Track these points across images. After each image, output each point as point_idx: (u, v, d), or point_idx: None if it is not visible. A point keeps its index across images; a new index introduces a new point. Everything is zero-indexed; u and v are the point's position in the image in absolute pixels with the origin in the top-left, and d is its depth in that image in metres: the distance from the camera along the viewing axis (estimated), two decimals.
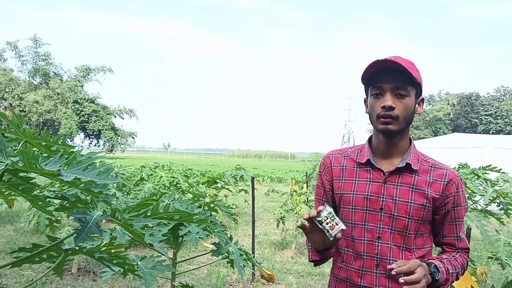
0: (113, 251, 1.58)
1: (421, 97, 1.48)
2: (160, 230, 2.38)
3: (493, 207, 4.10)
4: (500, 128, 48.23)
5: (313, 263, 1.55)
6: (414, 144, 1.52)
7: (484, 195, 3.66)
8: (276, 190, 9.20)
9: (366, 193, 1.45)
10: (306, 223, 1.35)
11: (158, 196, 3.04)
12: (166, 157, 72.67)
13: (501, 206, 3.85)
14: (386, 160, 1.48)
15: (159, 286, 4.38)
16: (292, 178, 15.25)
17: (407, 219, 1.41)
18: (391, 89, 1.39)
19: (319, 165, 1.67)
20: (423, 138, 43.58)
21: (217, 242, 2.75)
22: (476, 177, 3.82)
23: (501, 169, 3.96)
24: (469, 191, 4.02)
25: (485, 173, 3.88)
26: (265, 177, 21.42)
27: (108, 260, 1.51)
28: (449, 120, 54.92)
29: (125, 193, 6.47)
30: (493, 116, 50.46)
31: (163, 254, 2.64)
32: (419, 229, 1.43)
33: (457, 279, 1.44)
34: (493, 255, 3.82)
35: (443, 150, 13.10)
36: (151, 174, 6.45)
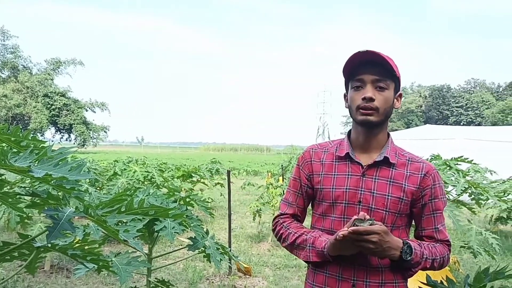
0: (86, 247, 1.54)
1: (399, 92, 1.51)
2: (134, 226, 2.34)
3: (464, 197, 4.21)
4: (470, 120, 49.51)
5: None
6: (392, 138, 1.54)
7: (456, 186, 3.74)
8: (252, 183, 9.23)
9: (345, 187, 1.46)
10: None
11: (132, 191, 2.98)
12: (140, 151, 71.75)
13: (473, 196, 3.95)
14: (365, 154, 1.50)
15: (134, 282, 4.32)
16: (268, 171, 15.31)
17: (384, 212, 1.43)
18: (372, 81, 1.41)
19: (297, 158, 1.67)
20: (396, 130, 44.40)
21: (193, 237, 2.73)
22: (448, 168, 3.90)
23: (472, 160, 4.06)
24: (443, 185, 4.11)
25: (457, 164, 3.97)
26: (241, 170, 21.43)
27: (81, 257, 1.47)
28: (421, 112, 56.04)
29: (98, 188, 6.36)
30: (464, 107, 51.75)
31: (138, 250, 2.61)
32: (396, 222, 1.45)
33: (433, 266, 1.44)
34: (465, 244, 3.93)
35: (416, 142, 13.36)
36: (125, 169, 6.36)
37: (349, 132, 1.57)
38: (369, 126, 1.45)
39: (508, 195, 6.54)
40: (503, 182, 6.89)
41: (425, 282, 1.36)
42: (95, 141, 58.02)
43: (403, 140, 14.44)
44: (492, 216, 7.62)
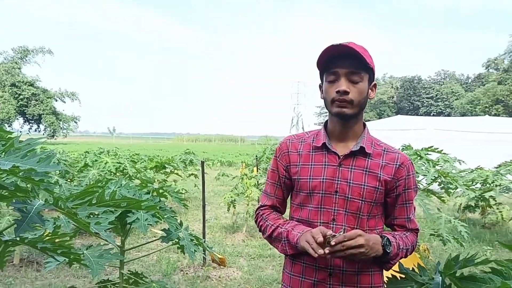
0: (57, 240, 1.51)
1: (373, 83, 1.52)
2: (106, 218, 2.31)
3: (434, 186, 4.30)
4: (440, 110, 50.61)
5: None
6: (368, 128, 1.55)
7: (426, 175, 3.82)
8: (226, 174, 9.21)
9: (322, 177, 1.47)
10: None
11: (103, 183, 2.93)
12: (112, 142, 70.62)
13: (442, 185, 4.05)
14: (341, 144, 1.51)
15: (106, 275, 4.27)
16: (242, 162, 15.29)
17: (360, 201, 1.45)
18: (346, 74, 1.42)
19: (272, 148, 1.68)
20: (369, 120, 44.97)
21: (167, 228, 2.71)
22: (419, 158, 3.98)
23: (442, 150, 4.14)
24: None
25: (427, 154, 4.05)
26: (215, 161, 21.37)
27: (52, 250, 1.44)
28: (392, 103, 56.94)
29: (69, 180, 6.23)
30: (434, 98, 52.83)
31: (110, 243, 2.56)
32: (372, 211, 1.47)
33: (406, 256, 1.50)
34: (435, 232, 4.02)
35: (388, 132, 13.59)
36: (96, 160, 6.23)
37: (326, 122, 1.58)
38: (345, 119, 1.46)
39: (476, 184, 6.75)
40: (471, 172, 7.09)
41: (397, 270, 1.39)
42: (65, 131, 56.86)
43: (376, 131, 14.67)
44: (460, 204, 7.83)
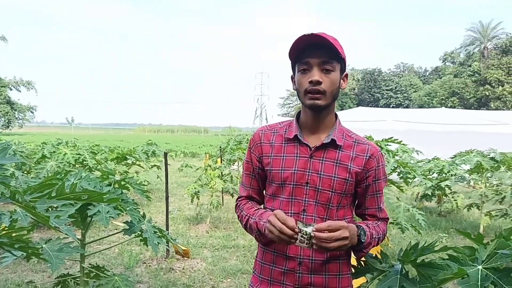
0: (14, 235, 1.46)
1: (345, 73, 1.53)
2: (66, 211, 2.24)
3: (393, 176, 4.42)
4: (399, 102, 51.87)
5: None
6: (339, 119, 1.57)
7: (386, 165, 3.91)
8: (189, 165, 9.12)
9: (294, 168, 1.49)
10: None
11: (62, 175, 2.84)
12: (70, 132, 68.72)
13: (401, 175, 4.16)
14: (313, 136, 1.52)
15: (66, 269, 4.17)
16: (206, 153, 15.22)
17: (330, 192, 1.47)
18: (318, 64, 1.42)
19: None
20: None
21: (129, 221, 2.67)
22: (379, 148, 4.07)
23: (401, 141, 4.26)
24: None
25: (387, 144, 4.15)
26: (178, 152, 21.14)
27: (8, 245, 1.40)
28: (354, 94, 57.89)
29: (25, 172, 6.01)
30: (394, 91, 54.06)
31: (71, 236, 2.50)
32: (341, 201, 1.49)
33: (377, 244, 1.53)
34: (394, 220, 4.13)
35: (349, 123, 13.78)
36: (54, 151, 6.05)
37: (298, 113, 1.59)
38: (317, 110, 1.47)
39: (433, 174, 6.99)
40: (428, 162, 7.34)
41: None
42: (21, 122, 54.81)
43: None
44: (418, 193, 8.09)
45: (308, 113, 1.51)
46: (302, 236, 1.30)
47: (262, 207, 1.62)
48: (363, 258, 1.47)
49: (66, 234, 2.68)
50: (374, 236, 1.47)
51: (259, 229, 1.47)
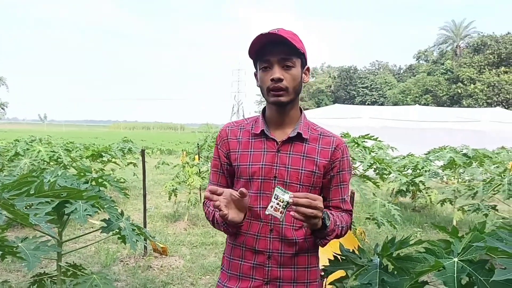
0: None
1: (306, 66, 1.55)
2: (43, 209, 2.20)
3: (369, 172, 4.49)
4: (374, 100, 52.48)
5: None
6: (304, 113, 1.59)
7: (363, 162, 3.97)
8: (166, 162, 9.05)
9: (261, 163, 1.50)
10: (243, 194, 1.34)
11: (38, 173, 2.79)
12: (43, 129, 67.24)
13: (377, 171, 4.23)
14: (279, 130, 1.54)
15: (42, 268, 4.09)
16: (183, 150, 15.14)
17: (298, 185, 1.49)
18: (278, 61, 1.44)
19: (213, 137, 1.68)
20: (308, 109, 45.87)
21: (107, 218, 2.64)
22: (356, 145, 4.13)
23: (377, 137, 4.33)
24: (350, 158, 4.35)
25: (364, 141, 4.22)
26: (155, 149, 20.96)
27: None
28: (330, 92, 58.32)
29: None
30: (369, 88, 54.63)
31: (50, 235, 2.46)
32: None
33: (341, 234, 1.54)
34: (370, 215, 4.21)
35: (326, 120, 13.93)
36: (28, 149, 5.91)
37: (264, 109, 1.60)
38: (281, 106, 1.49)
39: (407, 170, 7.12)
40: (403, 158, 7.48)
41: (338, 252, 1.44)
42: None
43: (314, 119, 14.98)
44: (393, 189, 8.24)
45: (273, 109, 1.53)
46: (278, 204, 1.31)
47: None
48: (335, 250, 1.49)
49: (42, 232, 2.63)
50: (337, 223, 1.48)
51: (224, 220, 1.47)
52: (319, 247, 1.57)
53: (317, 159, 1.51)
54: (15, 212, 1.28)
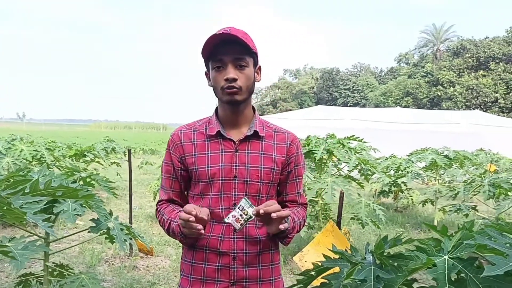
0: None
1: (258, 65, 1.56)
2: (33, 208, 2.18)
3: (353, 173, 4.56)
4: (356, 101, 52.95)
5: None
6: (257, 112, 1.62)
7: (349, 163, 4.03)
8: (150, 162, 9.00)
9: (220, 164, 1.50)
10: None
11: (25, 172, 2.77)
12: (22, 128, 66.10)
13: (362, 171, 4.30)
14: (235, 130, 1.56)
15: (25, 268, 4.04)
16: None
17: (259, 183, 1.51)
18: (232, 61, 1.44)
19: (167, 142, 1.67)
20: (290, 110, 46.04)
21: (96, 218, 2.63)
22: (341, 146, 4.18)
23: (362, 139, 4.39)
24: (335, 159, 4.40)
25: (349, 142, 4.28)
26: (137, 149, 20.79)
27: None
28: (313, 93, 58.63)
29: None
30: (351, 90, 55.10)
31: (36, 235, 2.44)
32: (270, 191, 1.55)
33: (299, 229, 1.60)
34: (355, 215, 4.27)
35: (309, 122, 14.04)
36: (10, 148, 5.83)
37: (216, 109, 1.60)
38: (235, 105, 1.50)
39: (390, 171, 7.24)
40: (386, 159, 7.60)
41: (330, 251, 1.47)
42: None
43: (298, 120, 15.09)
44: (375, 190, 8.35)
45: (227, 109, 1.53)
46: (241, 215, 1.35)
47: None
48: (328, 247, 1.52)
49: (28, 232, 2.61)
50: (296, 220, 1.53)
51: (182, 231, 1.43)
52: (279, 244, 1.61)
53: (274, 156, 1.54)
54: (12, 211, 1.29)
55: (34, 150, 5.95)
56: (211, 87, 1.54)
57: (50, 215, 2.64)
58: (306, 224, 4.22)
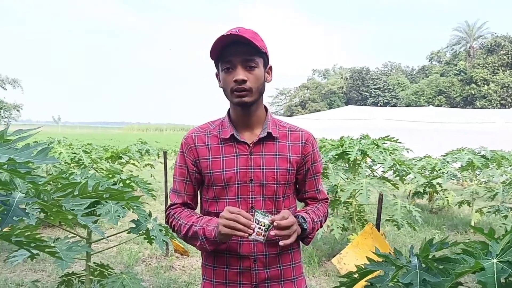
0: (27, 234, 1.49)
1: (269, 65, 1.54)
2: (79, 209, 2.26)
3: (388, 174, 4.50)
4: (387, 101, 52.18)
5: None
6: (269, 111, 1.60)
7: (383, 163, 3.98)
8: None
9: (235, 168, 1.49)
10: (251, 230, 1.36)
11: (68, 174, 2.86)
12: (57, 131, 67.94)
13: (397, 172, 4.23)
14: (248, 132, 1.54)
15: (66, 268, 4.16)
16: None
17: (275, 185, 1.49)
18: (241, 62, 1.42)
19: (180, 144, 1.65)
20: (320, 110, 45.75)
21: (136, 219, 2.69)
22: (376, 147, 4.13)
23: (397, 139, 4.32)
24: (369, 160, 4.36)
25: (384, 143, 4.22)
26: (169, 150, 21.07)
27: (26, 243, 1.42)
28: (342, 93, 58.13)
29: None
30: (381, 89, 54.36)
31: (80, 236, 2.52)
32: (286, 192, 1.54)
33: (321, 226, 1.60)
34: (390, 217, 4.20)
35: (340, 122, 13.92)
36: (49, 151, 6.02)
37: (228, 111, 1.58)
38: (246, 107, 1.48)
39: (425, 172, 7.10)
40: (420, 160, 7.45)
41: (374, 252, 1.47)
42: (7, 120, 54.04)
43: (328, 121, 15.00)
44: (410, 191, 8.21)
45: (238, 111, 1.51)
46: (259, 228, 1.35)
47: (201, 212, 1.59)
48: (371, 249, 1.51)
49: (71, 233, 2.70)
50: (315, 220, 1.53)
51: (206, 235, 1.42)
52: (300, 243, 1.60)
53: (289, 156, 1.52)
54: (61, 213, 1.34)
55: (72, 153, 6.12)
56: (221, 89, 1.52)
57: (93, 217, 2.72)
58: (340, 225, 4.19)
